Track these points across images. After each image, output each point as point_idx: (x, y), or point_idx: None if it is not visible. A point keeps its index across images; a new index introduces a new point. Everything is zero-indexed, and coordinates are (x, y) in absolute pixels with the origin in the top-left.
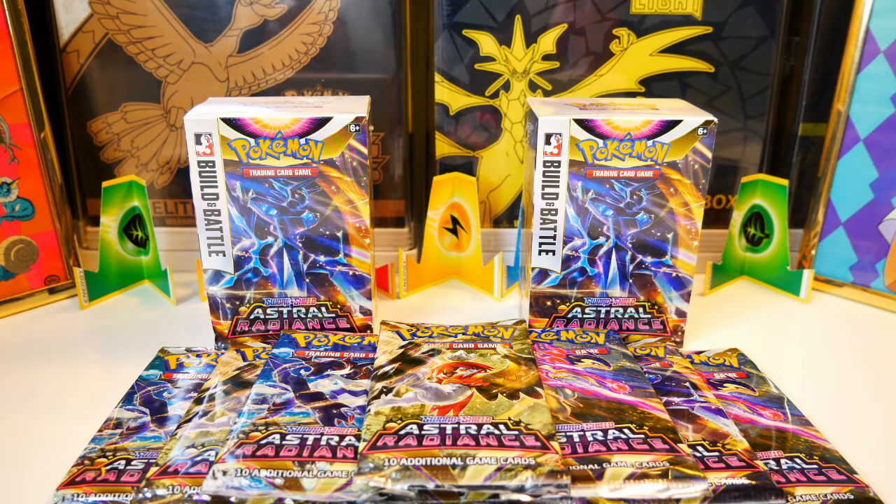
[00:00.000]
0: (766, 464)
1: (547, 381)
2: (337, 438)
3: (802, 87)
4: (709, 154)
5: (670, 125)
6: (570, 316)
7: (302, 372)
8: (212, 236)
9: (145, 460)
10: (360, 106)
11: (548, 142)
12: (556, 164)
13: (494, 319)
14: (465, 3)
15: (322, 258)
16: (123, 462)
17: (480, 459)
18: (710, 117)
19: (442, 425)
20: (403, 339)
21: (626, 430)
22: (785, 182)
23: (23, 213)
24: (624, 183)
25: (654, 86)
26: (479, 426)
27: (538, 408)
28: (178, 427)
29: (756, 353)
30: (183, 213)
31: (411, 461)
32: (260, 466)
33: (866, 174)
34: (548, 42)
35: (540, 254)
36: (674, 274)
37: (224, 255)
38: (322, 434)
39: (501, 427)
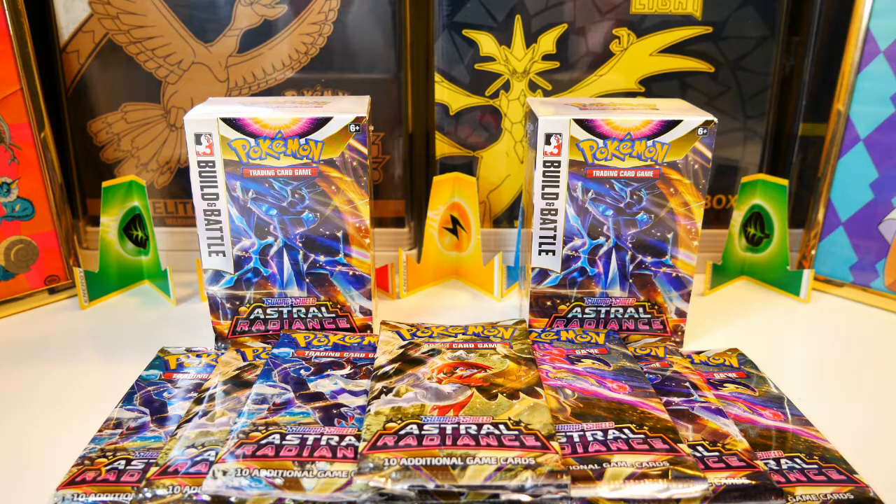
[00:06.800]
0: (766, 464)
1: (547, 381)
2: (337, 438)
3: (802, 87)
4: (709, 154)
5: (670, 125)
6: (570, 316)
7: (302, 372)
8: (212, 236)
9: (145, 460)
10: (360, 106)
11: (548, 142)
12: (556, 164)
13: (494, 319)
14: (465, 3)
15: (322, 258)
16: (123, 462)
17: (480, 459)
18: (710, 117)
19: (442, 425)
20: (403, 339)
21: (626, 430)
22: (785, 182)
23: (23, 213)
24: (624, 183)
25: (654, 86)
26: (479, 426)
27: (538, 408)
28: (178, 427)
29: (756, 353)
30: (183, 213)
31: (411, 461)
32: (260, 466)
33: (866, 174)
34: (548, 42)
35: (540, 254)
36: (674, 274)
37: (224, 255)
38: (322, 434)
39: (501, 427)
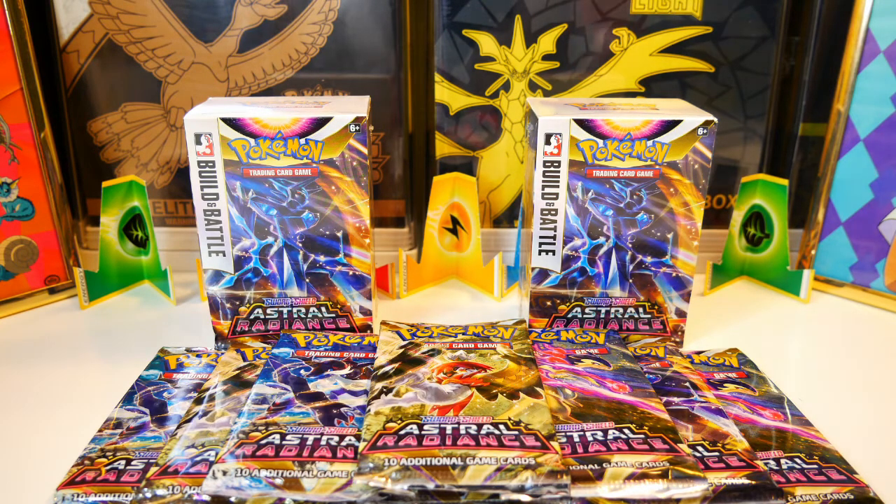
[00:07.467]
0: (766, 464)
1: (547, 381)
2: (337, 438)
3: (802, 87)
4: (709, 154)
5: (670, 125)
6: (570, 316)
7: (302, 372)
8: (212, 236)
9: (145, 460)
10: (360, 106)
11: (548, 142)
12: (556, 164)
13: (494, 319)
14: (465, 3)
15: (322, 258)
16: (123, 462)
17: (480, 459)
18: (710, 117)
19: (442, 425)
20: (403, 339)
21: (626, 430)
22: (785, 182)
23: (23, 213)
24: (624, 183)
25: (654, 86)
26: (479, 426)
27: (538, 408)
28: (178, 427)
29: (756, 353)
30: (183, 213)
31: (411, 461)
32: (260, 466)
33: (866, 174)
34: (548, 42)
35: (540, 254)
36: (674, 274)
37: (224, 255)
38: (322, 434)
39: (501, 427)
